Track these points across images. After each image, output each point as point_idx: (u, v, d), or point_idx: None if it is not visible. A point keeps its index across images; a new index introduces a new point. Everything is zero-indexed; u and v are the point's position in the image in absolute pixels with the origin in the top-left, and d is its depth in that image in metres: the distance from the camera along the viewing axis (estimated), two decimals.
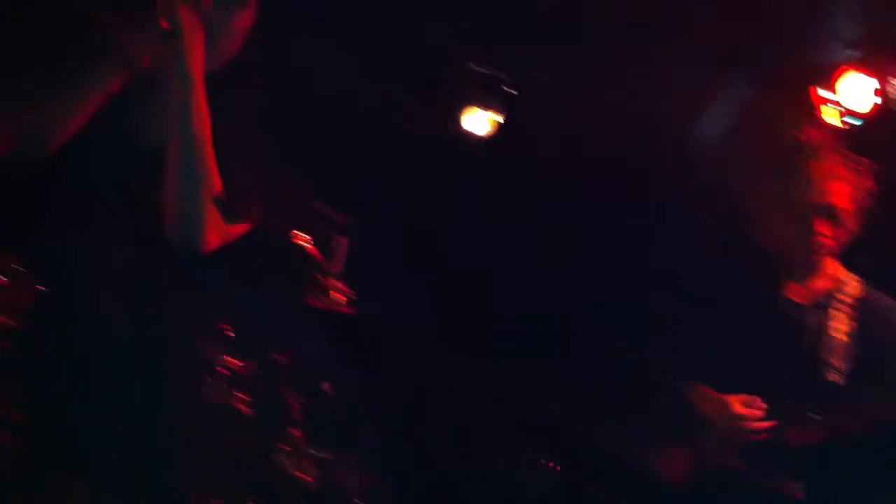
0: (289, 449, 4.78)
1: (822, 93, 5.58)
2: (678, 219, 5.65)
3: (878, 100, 5.54)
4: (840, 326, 4.64)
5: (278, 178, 5.43)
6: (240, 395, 4.56)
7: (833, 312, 4.75)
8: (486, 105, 5.94)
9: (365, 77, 5.81)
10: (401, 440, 5.58)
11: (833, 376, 4.65)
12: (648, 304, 4.80)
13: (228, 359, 4.58)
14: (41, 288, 2.53)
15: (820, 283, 4.91)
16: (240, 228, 2.51)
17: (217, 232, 2.40)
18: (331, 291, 5.05)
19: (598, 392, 5.01)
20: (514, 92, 5.90)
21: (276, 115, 5.64)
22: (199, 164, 2.35)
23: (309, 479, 4.79)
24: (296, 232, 5.04)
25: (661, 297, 4.69)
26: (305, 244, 5.05)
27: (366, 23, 5.50)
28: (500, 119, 5.88)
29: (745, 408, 4.59)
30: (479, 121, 5.94)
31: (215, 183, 2.39)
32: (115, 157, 2.27)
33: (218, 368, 4.50)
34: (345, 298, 4.98)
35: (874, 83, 5.49)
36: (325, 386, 5.02)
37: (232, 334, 4.62)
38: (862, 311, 4.82)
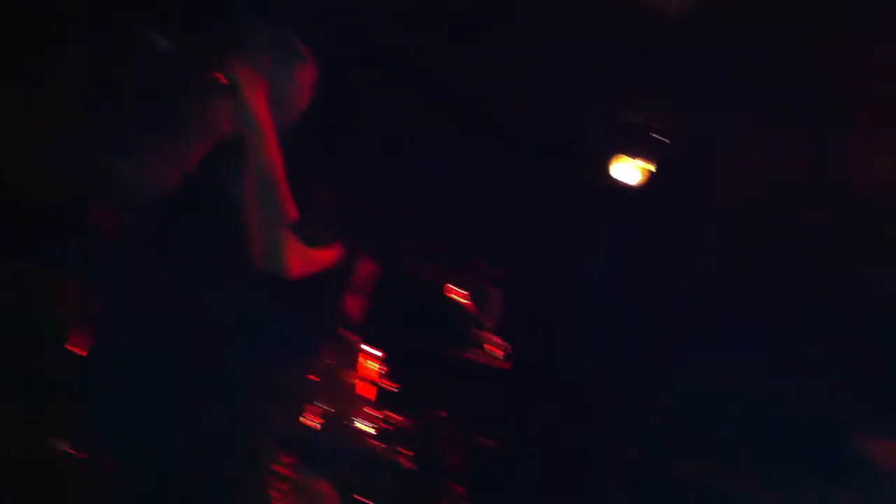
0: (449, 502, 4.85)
1: None
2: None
3: None
4: None
5: (421, 234, 5.57)
6: (402, 450, 4.63)
7: None
8: (636, 154, 5.91)
9: (514, 132, 5.88)
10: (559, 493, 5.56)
11: None
12: None
13: (391, 414, 4.66)
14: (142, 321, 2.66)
15: None
16: (325, 255, 2.66)
17: (299, 258, 2.55)
18: (486, 345, 5.10)
19: None
20: (665, 140, 5.86)
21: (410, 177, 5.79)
22: (272, 199, 2.50)
23: None
24: (451, 286, 5.14)
25: None
26: (461, 298, 5.14)
27: (511, 75, 5.57)
28: (651, 168, 5.84)
29: None
30: (629, 170, 5.91)
31: (291, 213, 2.51)
32: (212, 199, 2.43)
33: (381, 423, 4.58)
34: (500, 352, 5.02)
35: None
36: (486, 441, 5.07)
37: (394, 389, 4.71)
38: None
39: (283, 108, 2.57)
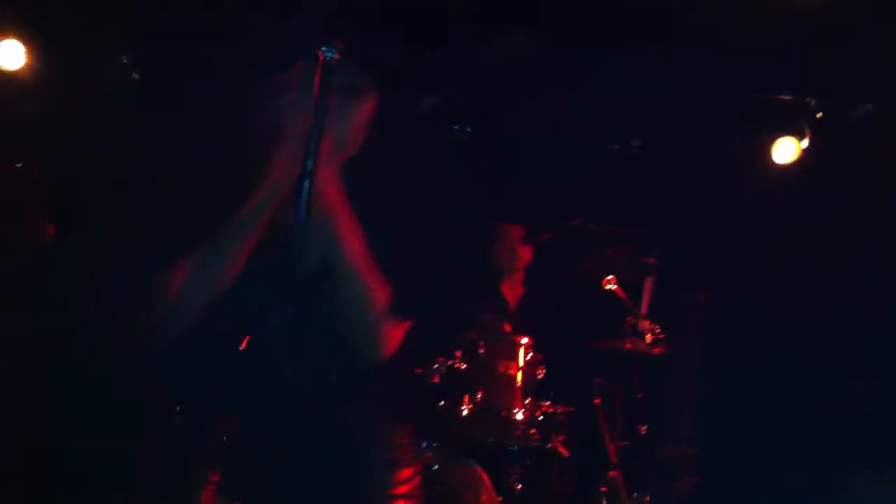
0: (606, 490, 4.87)
1: None
2: None
3: None
4: None
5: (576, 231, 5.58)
6: (559, 437, 4.69)
7: None
8: (794, 132, 5.77)
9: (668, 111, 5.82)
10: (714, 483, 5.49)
11: None
12: None
13: (544, 404, 4.72)
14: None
15: None
16: (405, 327, 2.41)
17: (392, 337, 2.36)
18: (641, 333, 5.09)
19: None
20: (823, 117, 5.70)
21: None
22: (359, 289, 2.33)
23: None
24: (607, 278, 5.14)
25: None
26: (615, 288, 5.14)
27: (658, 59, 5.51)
28: (808, 146, 5.69)
29: None
30: (787, 148, 5.77)
31: (380, 298, 2.34)
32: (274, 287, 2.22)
33: (536, 413, 4.65)
34: (654, 339, 4.99)
35: None
36: (642, 429, 5.06)
37: (541, 376, 4.75)
38: None
39: (344, 152, 2.35)
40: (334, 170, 2.29)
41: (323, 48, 2.08)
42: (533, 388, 4.72)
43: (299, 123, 2.23)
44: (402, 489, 2.60)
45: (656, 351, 5.01)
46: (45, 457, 4.90)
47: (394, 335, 2.38)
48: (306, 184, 2.09)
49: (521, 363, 4.71)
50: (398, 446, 2.63)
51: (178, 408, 4.70)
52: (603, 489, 4.93)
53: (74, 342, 5.18)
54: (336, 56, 2.11)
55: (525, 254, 5.38)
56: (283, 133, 2.28)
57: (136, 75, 5.38)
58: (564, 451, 4.66)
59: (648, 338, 5.00)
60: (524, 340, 4.75)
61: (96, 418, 4.98)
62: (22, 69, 5.07)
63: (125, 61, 5.36)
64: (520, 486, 4.47)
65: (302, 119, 2.22)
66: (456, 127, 5.98)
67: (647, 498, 4.98)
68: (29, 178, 5.39)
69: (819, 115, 5.66)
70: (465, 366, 4.63)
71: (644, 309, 5.38)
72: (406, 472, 2.62)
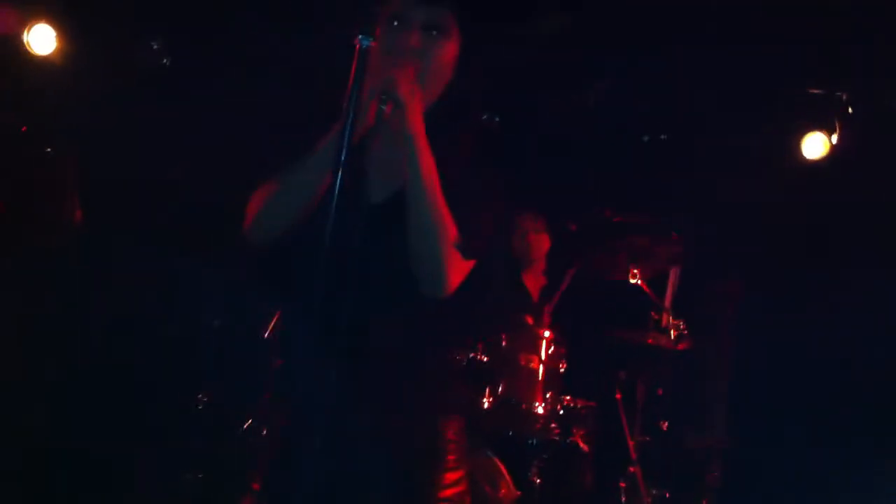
0: (625, 485, 4.88)
1: None
2: None
3: None
4: None
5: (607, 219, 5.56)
6: (579, 432, 4.69)
7: None
8: (823, 127, 5.72)
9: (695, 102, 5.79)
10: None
11: None
12: None
13: (565, 398, 4.72)
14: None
15: None
16: (472, 264, 2.53)
17: (458, 272, 2.44)
18: (665, 328, 5.08)
19: None
20: (851, 112, 5.64)
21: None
22: (434, 215, 2.41)
23: None
24: (633, 271, 5.13)
25: None
26: (640, 281, 5.12)
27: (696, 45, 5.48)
28: (837, 141, 5.64)
29: None
30: (817, 144, 5.72)
31: (451, 228, 2.41)
32: (347, 216, 2.34)
33: (557, 407, 4.66)
34: (678, 335, 4.98)
35: None
36: (663, 425, 5.06)
37: (562, 370, 4.75)
38: None
39: (428, 91, 2.49)
40: (419, 102, 2.39)
41: (360, 36, 2.12)
42: (554, 381, 4.73)
43: (380, 61, 2.34)
44: (447, 493, 2.51)
45: (680, 347, 5.00)
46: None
47: (460, 269, 2.40)
48: (339, 175, 2.09)
49: (543, 356, 4.71)
50: (448, 442, 2.54)
51: (203, 396, 4.77)
52: (622, 484, 4.94)
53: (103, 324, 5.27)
54: (373, 44, 2.13)
55: (540, 244, 5.39)
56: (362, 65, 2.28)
57: (166, 60, 5.41)
58: (584, 446, 4.67)
59: (673, 333, 4.98)
60: (546, 334, 4.76)
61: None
62: (53, 54, 5.11)
63: (156, 46, 5.40)
64: (539, 480, 4.49)
65: (382, 57, 2.36)
66: (485, 116, 5.98)
67: (667, 494, 4.98)
68: (61, 163, 5.44)
69: (850, 109, 5.61)
70: (486, 358, 4.64)
71: (668, 303, 5.37)
72: (452, 476, 2.53)
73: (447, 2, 2.57)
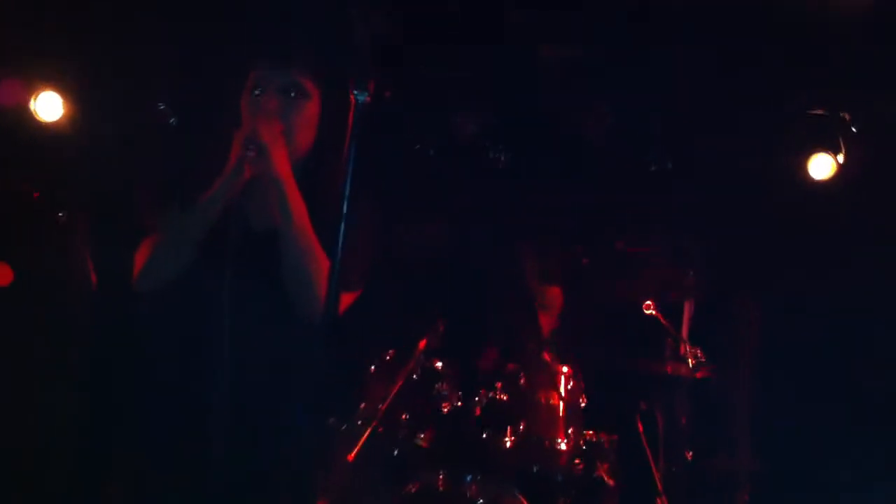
0: None
1: None
2: None
3: None
4: None
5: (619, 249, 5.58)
6: (603, 465, 4.67)
7: None
8: (828, 147, 5.73)
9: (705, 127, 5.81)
10: None
11: None
12: None
13: (588, 432, 4.71)
14: None
15: None
16: (356, 293, 2.77)
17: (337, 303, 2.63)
18: (683, 356, 5.07)
19: None
20: (856, 132, 5.65)
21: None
22: (306, 252, 2.69)
23: None
24: (647, 302, 5.13)
25: None
26: (655, 312, 5.12)
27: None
28: (843, 161, 5.64)
29: None
30: (823, 165, 5.72)
31: (324, 262, 2.60)
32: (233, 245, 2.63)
33: (580, 442, 4.64)
34: (696, 363, 4.97)
35: None
36: (688, 454, 5.03)
37: (583, 404, 4.74)
38: None
39: (295, 145, 2.77)
40: (285, 152, 2.69)
41: (355, 91, 2.24)
42: (575, 416, 4.71)
43: (247, 122, 2.73)
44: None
45: (699, 375, 4.98)
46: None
47: (341, 299, 2.50)
48: (342, 227, 2.17)
49: (563, 392, 4.70)
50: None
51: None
52: None
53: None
54: (367, 99, 2.22)
55: (553, 295, 5.41)
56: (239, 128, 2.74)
57: (173, 120, 5.47)
58: (610, 480, 4.64)
59: (691, 361, 4.97)
60: (565, 369, 4.75)
61: None
62: (60, 119, 5.18)
63: (162, 107, 5.45)
64: None
65: (249, 119, 2.74)
66: (490, 153, 6.02)
67: None
68: (73, 227, 5.49)
69: (854, 129, 5.62)
70: (506, 397, 4.63)
71: (685, 333, 5.37)
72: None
73: (303, 65, 2.84)
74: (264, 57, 2.85)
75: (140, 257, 2.78)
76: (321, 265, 2.64)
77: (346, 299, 2.74)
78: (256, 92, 2.81)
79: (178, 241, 2.73)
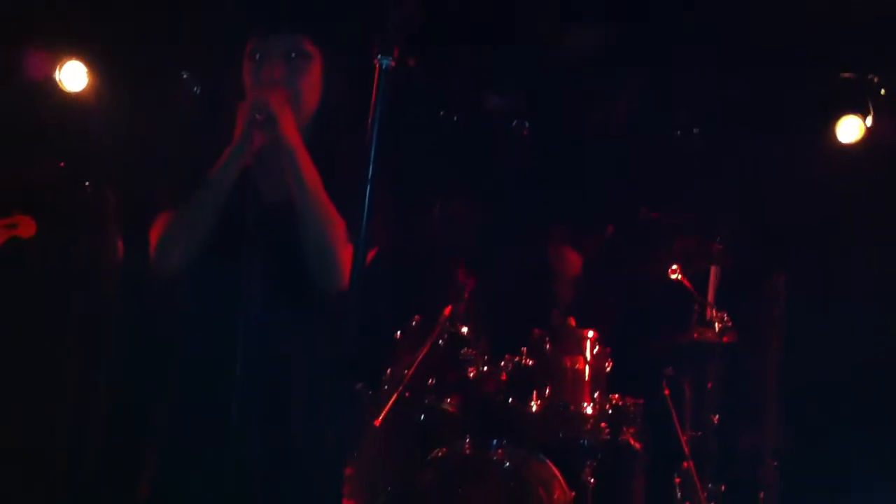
0: (680, 481, 4.85)
1: None
2: None
3: None
4: None
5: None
6: (630, 430, 4.67)
7: None
8: (858, 110, 5.67)
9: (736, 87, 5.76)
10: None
11: None
12: None
13: (613, 396, 4.70)
14: None
15: None
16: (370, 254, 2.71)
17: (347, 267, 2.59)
18: (709, 322, 5.05)
19: None
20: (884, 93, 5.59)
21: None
22: (320, 216, 2.62)
23: None
24: (672, 268, 5.10)
25: None
26: (681, 277, 5.10)
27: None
28: (871, 124, 5.58)
29: None
30: (851, 127, 5.66)
31: (339, 224, 2.60)
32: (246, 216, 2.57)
33: (606, 406, 4.64)
34: (722, 328, 4.94)
35: None
36: (714, 418, 5.02)
37: (608, 369, 4.73)
38: None
39: (302, 110, 2.72)
40: (294, 119, 2.63)
41: (379, 56, 2.16)
42: (601, 381, 4.71)
43: (251, 89, 2.70)
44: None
45: (725, 340, 4.96)
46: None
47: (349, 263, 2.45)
48: (368, 189, 2.14)
49: (588, 357, 4.70)
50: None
51: None
52: (677, 480, 4.91)
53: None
54: (391, 63, 2.18)
55: (573, 262, 5.40)
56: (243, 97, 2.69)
57: (196, 89, 5.48)
58: (636, 444, 4.64)
59: (717, 326, 4.95)
60: (590, 334, 4.74)
61: None
62: (85, 90, 5.19)
63: (185, 76, 5.47)
64: (593, 481, 4.46)
65: (253, 87, 2.70)
66: (514, 122, 6.00)
67: (723, 487, 4.94)
68: (100, 198, 5.51)
69: (882, 91, 5.57)
70: (532, 362, 4.64)
71: (711, 298, 5.34)
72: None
73: (303, 27, 2.78)
74: (261, 21, 2.79)
75: (155, 235, 2.72)
76: (339, 232, 2.60)
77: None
78: (257, 56, 2.75)
79: (192, 217, 2.67)
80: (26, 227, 4.75)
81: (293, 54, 2.73)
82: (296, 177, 2.60)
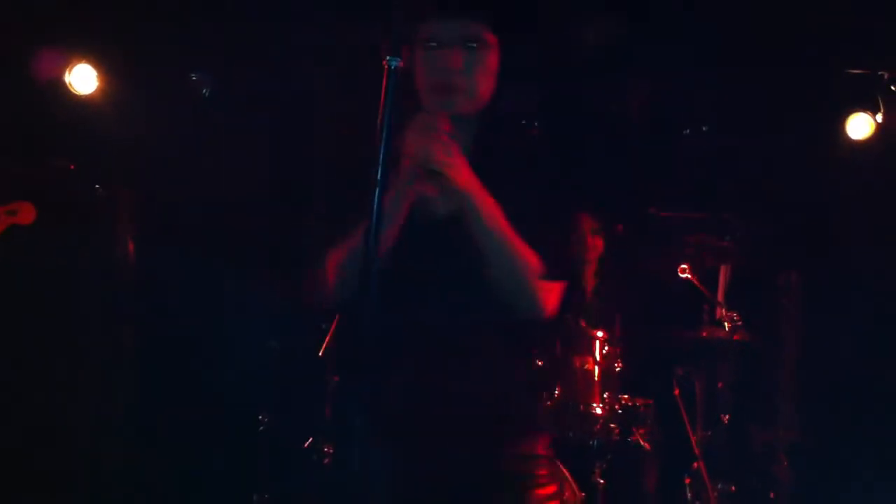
0: (690, 481, 4.84)
1: None
2: None
3: None
4: None
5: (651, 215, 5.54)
6: (640, 430, 4.67)
7: None
8: (868, 107, 5.65)
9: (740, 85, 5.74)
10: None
11: None
12: None
13: (623, 397, 4.71)
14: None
15: None
16: (565, 284, 2.57)
17: (554, 297, 2.45)
18: (719, 321, 5.04)
19: None
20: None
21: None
22: (514, 259, 2.44)
23: None
24: (682, 266, 5.09)
25: None
26: (690, 276, 5.09)
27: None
28: (882, 121, 5.56)
29: None
30: (861, 124, 5.64)
31: (534, 263, 2.44)
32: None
33: (616, 406, 4.64)
34: (733, 326, 4.93)
35: None
36: (724, 418, 5.01)
37: (618, 369, 4.73)
38: None
39: (476, 101, 2.55)
40: (460, 161, 2.42)
41: (388, 57, 2.11)
42: (611, 381, 4.71)
43: (420, 77, 2.54)
44: None
45: (736, 338, 4.95)
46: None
47: (555, 294, 2.42)
48: (377, 194, 2.11)
49: (598, 357, 4.69)
50: (533, 458, 2.52)
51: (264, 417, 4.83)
52: (687, 480, 4.91)
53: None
54: (400, 64, 2.14)
55: (596, 244, 5.36)
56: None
57: (205, 91, 5.49)
58: (646, 444, 4.64)
59: (727, 325, 4.94)
60: (599, 334, 4.74)
61: None
62: (94, 92, 5.21)
63: (195, 78, 5.48)
64: (603, 481, 4.47)
65: (422, 74, 2.53)
66: (524, 122, 5.99)
67: (733, 488, 4.94)
68: (112, 200, 5.53)
69: (892, 87, 5.55)
70: (541, 362, 4.64)
71: (721, 297, 5.33)
72: (544, 492, 2.49)
73: (479, 14, 2.60)
74: (436, 9, 2.60)
75: (330, 272, 2.55)
76: (535, 270, 2.45)
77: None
78: (433, 44, 2.55)
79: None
80: (26, 214, 4.74)
81: (472, 43, 2.57)
82: (480, 228, 2.43)
